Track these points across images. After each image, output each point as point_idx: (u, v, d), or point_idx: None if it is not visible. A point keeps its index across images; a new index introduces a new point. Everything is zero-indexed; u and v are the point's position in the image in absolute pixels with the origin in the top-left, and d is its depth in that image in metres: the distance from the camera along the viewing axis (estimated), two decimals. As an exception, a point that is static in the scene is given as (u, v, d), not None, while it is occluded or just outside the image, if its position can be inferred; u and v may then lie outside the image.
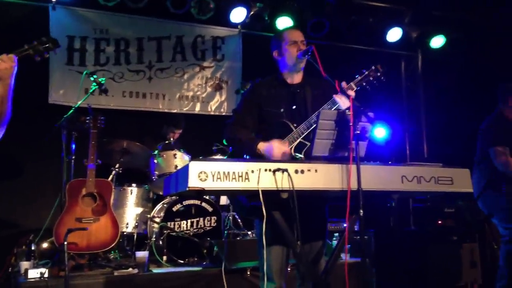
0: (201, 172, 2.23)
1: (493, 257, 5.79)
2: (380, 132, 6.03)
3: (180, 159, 5.15)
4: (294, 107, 2.97)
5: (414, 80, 7.78)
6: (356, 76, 2.92)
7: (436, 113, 7.40)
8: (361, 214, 2.35)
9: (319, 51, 2.90)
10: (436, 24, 7.08)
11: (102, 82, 4.89)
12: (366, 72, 2.92)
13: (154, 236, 4.58)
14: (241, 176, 2.29)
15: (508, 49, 6.48)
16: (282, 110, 2.94)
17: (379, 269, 4.68)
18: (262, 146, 2.80)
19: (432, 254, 5.62)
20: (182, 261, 4.46)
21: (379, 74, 2.91)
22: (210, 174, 2.25)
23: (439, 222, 6.15)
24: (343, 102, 2.78)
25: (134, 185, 5.17)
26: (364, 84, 2.91)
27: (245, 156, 2.86)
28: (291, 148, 2.83)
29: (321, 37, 6.52)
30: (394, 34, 6.94)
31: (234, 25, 6.68)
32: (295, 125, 2.86)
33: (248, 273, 4.08)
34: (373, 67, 2.93)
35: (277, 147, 2.77)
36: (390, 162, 2.60)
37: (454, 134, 6.92)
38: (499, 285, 4.07)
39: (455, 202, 6.21)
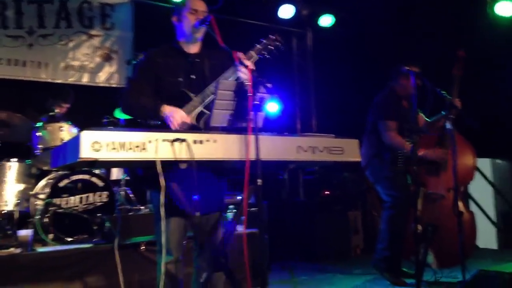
0: (94, 142, 2.11)
1: (373, 224, 6.28)
2: (272, 106, 6.19)
3: (67, 132, 4.83)
4: (192, 76, 2.91)
5: (305, 57, 8.04)
6: (255, 45, 2.89)
7: (325, 89, 7.73)
8: (260, 183, 2.38)
9: (214, 24, 2.86)
10: (326, 3, 7.34)
11: (-25, 46, 4.41)
12: (265, 41, 2.90)
13: (38, 214, 4.28)
14: (138, 147, 2.20)
15: (388, 31, 6.94)
16: (180, 79, 2.86)
17: (272, 239, 4.83)
18: (166, 108, 2.71)
19: (320, 223, 5.96)
20: (70, 239, 4.23)
21: (277, 43, 2.90)
22: (105, 144, 2.13)
23: (326, 192, 6.51)
24: (243, 73, 2.75)
25: (14, 160, 4.76)
26: (264, 53, 2.89)
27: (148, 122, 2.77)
28: (191, 117, 2.77)
29: (215, 10, 6.43)
30: (286, 11, 7.08)
31: (125, -8, 6.37)
32: (193, 95, 2.80)
33: (143, 247, 4.00)
34: (271, 36, 2.91)
35: (180, 114, 2.70)
36: (286, 133, 2.66)
37: (341, 109, 7.30)
38: (380, 247, 4.39)
39: (341, 174, 6.61)
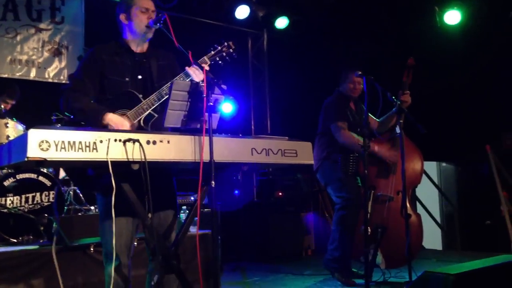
0: (42, 141, 2.04)
1: (325, 225, 6.38)
2: (227, 107, 6.17)
3: (12, 128, 4.64)
4: (139, 77, 2.85)
5: (260, 58, 8.08)
6: (210, 51, 2.88)
7: (279, 90, 7.79)
8: (213, 185, 2.37)
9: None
10: (281, 5, 7.39)
11: None
12: (219, 48, 2.89)
13: (-20, 214, 4.11)
14: (89, 146, 2.14)
15: (340, 36, 7.08)
16: (127, 79, 2.80)
17: (224, 240, 4.82)
18: (108, 117, 2.61)
19: (273, 224, 5.99)
20: (15, 240, 4.08)
21: (231, 50, 2.91)
22: (53, 143, 2.06)
23: (280, 194, 6.56)
24: (196, 75, 2.75)
25: (-45, 157, 4.54)
26: (218, 59, 2.89)
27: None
28: (139, 120, 2.72)
29: (170, 8, 6.36)
30: (242, 12, 7.07)
31: (76, -14, 6.20)
32: (141, 95, 2.75)
33: (92, 249, 3.89)
34: (225, 43, 2.91)
35: (122, 125, 2.61)
36: (240, 135, 2.66)
37: (295, 110, 7.38)
38: (331, 247, 4.46)
39: (294, 175, 6.67)
